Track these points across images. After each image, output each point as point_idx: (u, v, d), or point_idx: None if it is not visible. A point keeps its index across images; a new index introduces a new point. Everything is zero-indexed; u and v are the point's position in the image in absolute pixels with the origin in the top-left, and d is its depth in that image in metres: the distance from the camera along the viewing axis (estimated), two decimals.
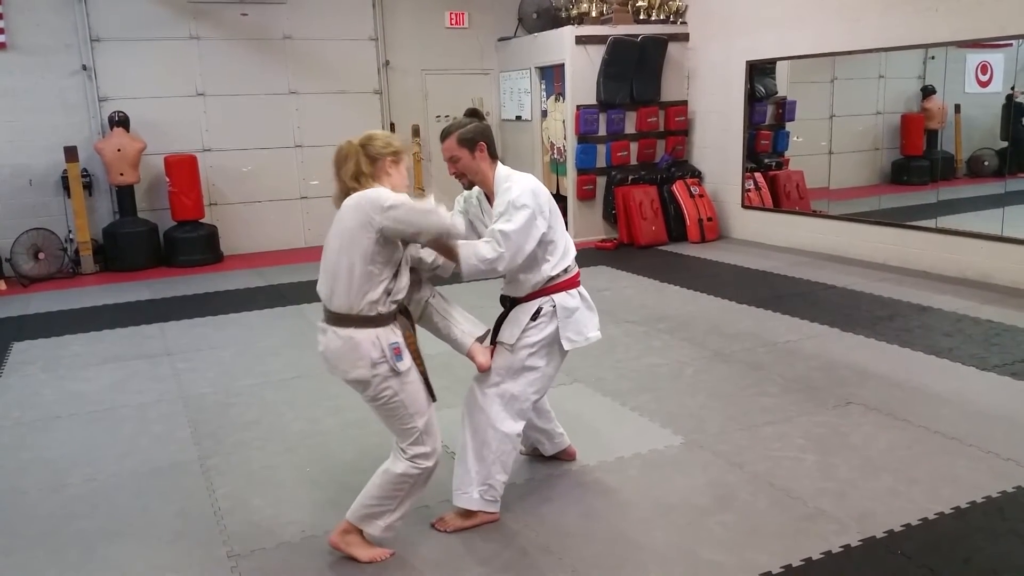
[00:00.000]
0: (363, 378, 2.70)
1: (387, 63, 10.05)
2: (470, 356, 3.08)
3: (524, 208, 2.94)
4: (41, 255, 8.43)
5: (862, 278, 6.99)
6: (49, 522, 3.35)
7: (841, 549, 2.91)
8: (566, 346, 3.11)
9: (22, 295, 7.77)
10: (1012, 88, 7.97)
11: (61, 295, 7.70)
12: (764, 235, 8.80)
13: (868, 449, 3.71)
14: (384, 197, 2.66)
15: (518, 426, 3.10)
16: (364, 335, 2.68)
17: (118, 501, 3.50)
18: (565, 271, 3.12)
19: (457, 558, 2.96)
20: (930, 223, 7.32)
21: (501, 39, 10.44)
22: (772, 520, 3.13)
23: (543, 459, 3.68)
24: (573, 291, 3.14)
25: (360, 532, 2.91)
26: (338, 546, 2.92)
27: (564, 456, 3.66)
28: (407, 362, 2.74)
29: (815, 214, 8.59)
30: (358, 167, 2.79)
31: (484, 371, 3.08)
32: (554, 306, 3.08)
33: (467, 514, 3.11)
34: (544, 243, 3.05)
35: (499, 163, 3.17)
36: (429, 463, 2.84)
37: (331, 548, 2.96)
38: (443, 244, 2.90)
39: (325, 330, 2.76)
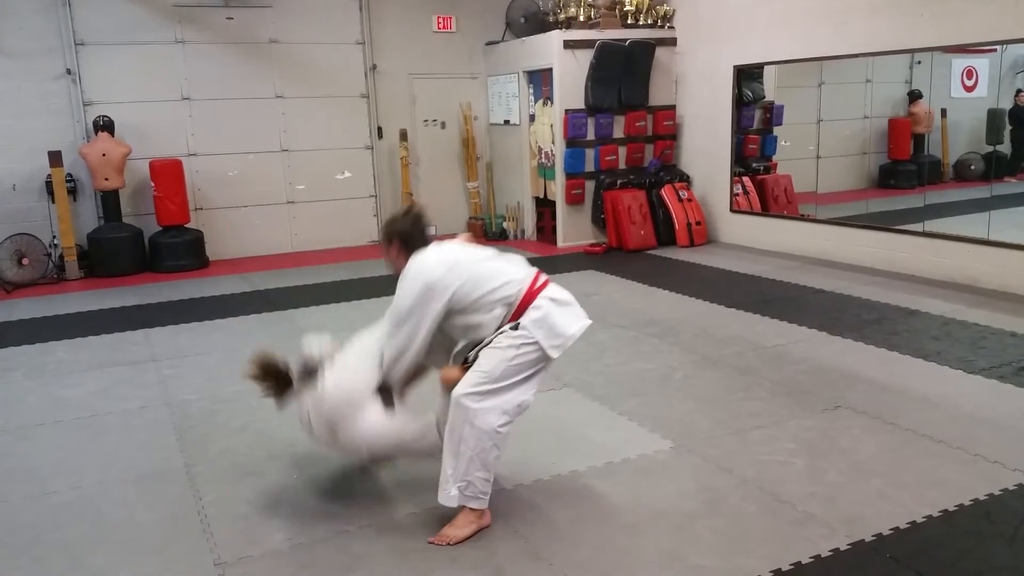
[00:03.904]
0: None
1: (374, 67, 10.03)
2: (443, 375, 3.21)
3: (408, 317, 3.05)
4: (25, 261, 8.35)
5: (850, 282, 7.01)
6: (32, 530, 3.31)
7: (830, 553, 2.91)
8: (553, 355, 3.07)
9: (6, 301, 7.70)
10: (1020, 92, 8.04)
11: (45, 301, 7.63)
12: (752, 239, 8.82)
13: (857, 453, 3.72)
14: None
15: (498, 420, 3.04)
16: None
17: (103, 509, 3.46)
18: (510, 305, 3.09)
19: (445, 564, 2.94)
20: (917, 227, 7.36)
21: (489, 43, 10.43)
22: (761, 524, 3.13)
23: (530, 464, 3.66)
24: (535, 302, 3.10)
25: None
26: None
27: None
28: None
29: (803, 218, 8.62)
30: None
31: (451, 381, 3.13)
32: (526, 328, 3.06)
33: (457, 519, 3.10)
34: (467, 307, 3.07)
35: (420, 250, 3.17)
36: None
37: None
38: None
39: None
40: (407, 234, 3.23)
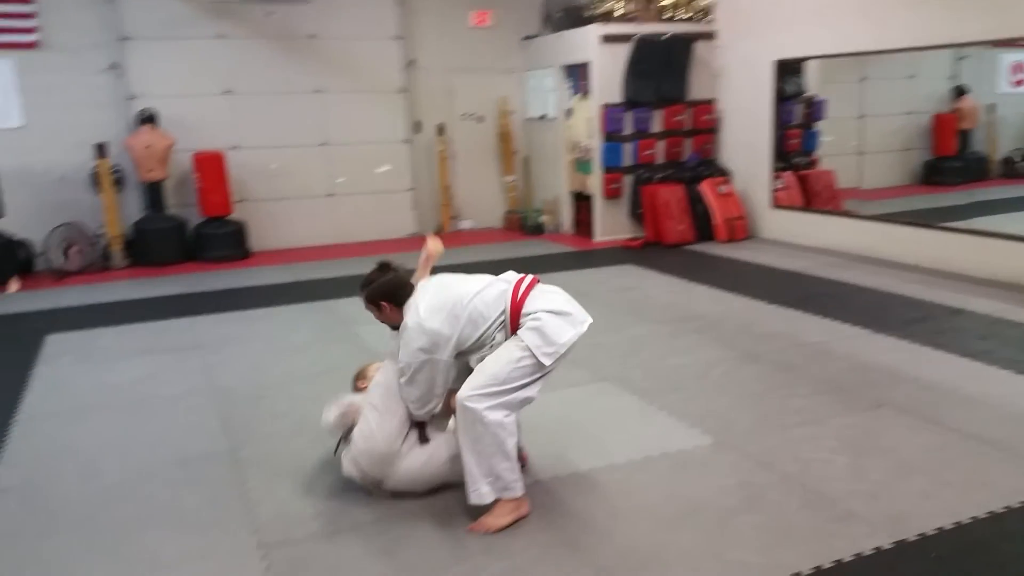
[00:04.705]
0: None
1: (412, 62, 10.09)
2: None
3: (421, 369, 3.12)
4: (73, 250, 8.55)
5: (894, 279, 6.90)
6: (84, 509, 3.40)
7: (873, 551, 2.88)
8: (545, 362, 3.08)
9: (55, 289, 7.89)
10: None
11: (92, 289, 7.80)
12: (794, 235, 8.72)
13: (900, 451, 3.66)
14: None
15: (503, 413, 3.07)
16: None
17: (151, 490, 3.55)
18: (503, 320, 3.13)
19: (481, 552, 2.96)
20: (963, 224, 7.21)
21: (526, 38, 10.43)
22: (802, 521, 3.11)
23: (567, 456, 3.67)
24: (532, 314, 3.10)
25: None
26: None
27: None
28: None
29: (846, 214, 8.50)
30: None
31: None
32: (522, 336, 3.09)
33: (495, 508, 3.11)
34: (472, 346, 3.15)
35: (407, 302, 3.21)
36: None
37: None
38: None
39: None
40: (392, 289, 3.25)
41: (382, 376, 3.35)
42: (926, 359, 4.90)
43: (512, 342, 3.11)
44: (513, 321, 3.13)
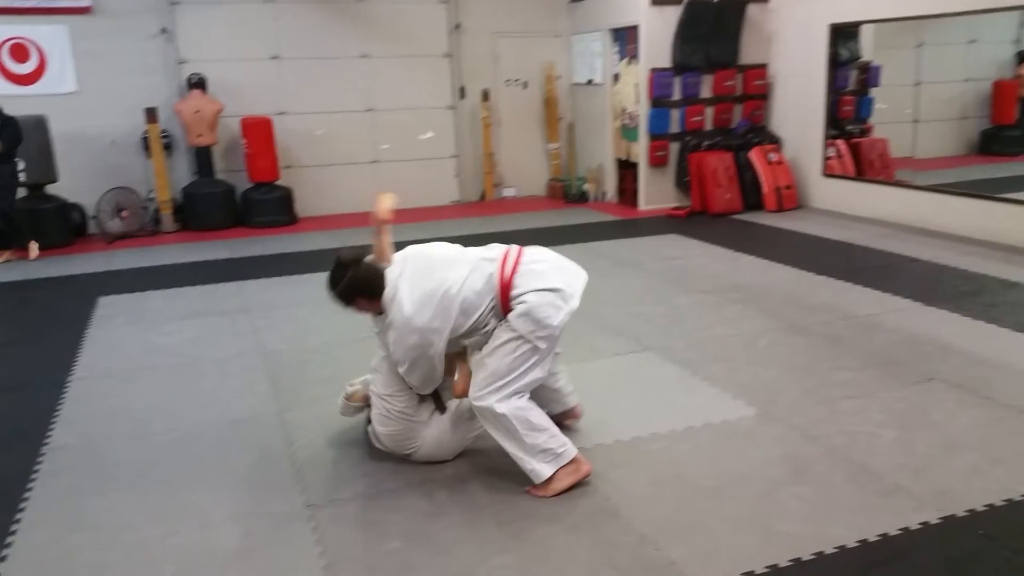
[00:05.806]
0: None
1: (458, 26, 10.00)
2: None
3: (418, 360, 3.10)
4: (124, 213, 8.73)
5: (947, 251, 6.73)
6: (135, 468, 3.50)
7: (919, 526, 2.84)
8: (542, 346, 3.05)
9: (106, 251, 8.07)
10: None
11: (142, 252, 7.97)
12: (845, 205, 8.51)
13: (950, 426, 3.59)
14: None
15: (514, 399, 3.06)
16: None
17: (200, 450, 3.63)
18: (494, 305, 3.09)
19: (524, 517, 2.99)
20: (1021, 196, 6.97)
21: (573, 0, 10.27)
22: (848, 494, 3.07)
23: (610, 424, 3.68)
24: (520, 297, 3.04)
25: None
26: None
27: (570, 416, 3.61)
28: None
29: (899, 184, 8.26)
30: None
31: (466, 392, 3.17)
32: (511, 322, 3.05)
33: (556, 477, 3.11)
34: (466, 332, 3.11)
35: (385, 293, 3.11)
36: None
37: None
38: None
39: None
40: (362, 284, 3.13)
41: (376, 362, 3.36)
42: (978, 333, 4.78)
43: (505, 331, 3.06)
44: (504, 304, 3.08)
